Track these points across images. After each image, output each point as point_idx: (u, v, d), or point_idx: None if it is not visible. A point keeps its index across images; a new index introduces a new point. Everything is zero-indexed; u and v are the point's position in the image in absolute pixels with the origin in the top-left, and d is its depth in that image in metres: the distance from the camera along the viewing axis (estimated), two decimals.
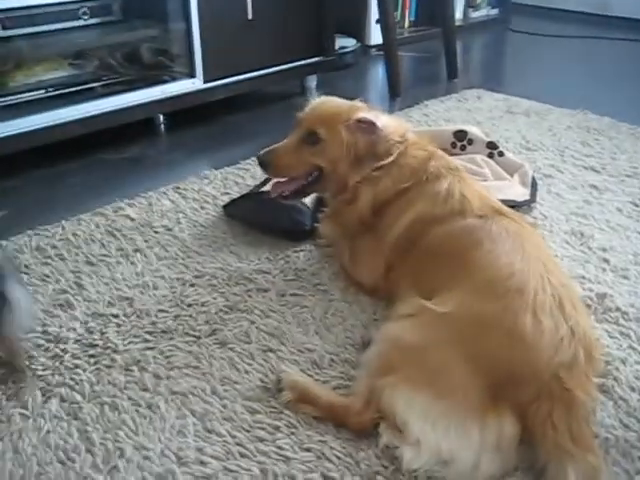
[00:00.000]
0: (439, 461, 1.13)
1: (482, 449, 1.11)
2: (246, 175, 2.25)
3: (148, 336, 1.50)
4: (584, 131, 2.66)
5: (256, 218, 1.92)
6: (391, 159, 1.58)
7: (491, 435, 1.11)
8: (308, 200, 1.91)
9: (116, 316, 1.56)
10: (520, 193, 2.02)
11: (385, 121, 1.62)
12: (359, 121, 1.58)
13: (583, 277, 1.70)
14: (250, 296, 1.64)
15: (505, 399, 1.13)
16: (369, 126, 1.58)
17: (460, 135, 2.18)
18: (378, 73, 3.62)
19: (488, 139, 2.21)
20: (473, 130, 2.23)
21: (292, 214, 1.87)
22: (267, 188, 1.97)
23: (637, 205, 2.08)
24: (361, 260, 1.66)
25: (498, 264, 1.31)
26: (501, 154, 2.17)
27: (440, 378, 1.17)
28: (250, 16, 2.73)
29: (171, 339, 1.49)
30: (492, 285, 1.26)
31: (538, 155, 2.42)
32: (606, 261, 1.78)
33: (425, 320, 1.25)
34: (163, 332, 1.51)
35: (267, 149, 1.65)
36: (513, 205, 1.92)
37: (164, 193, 2.13)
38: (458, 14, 4.55)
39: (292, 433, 1.25)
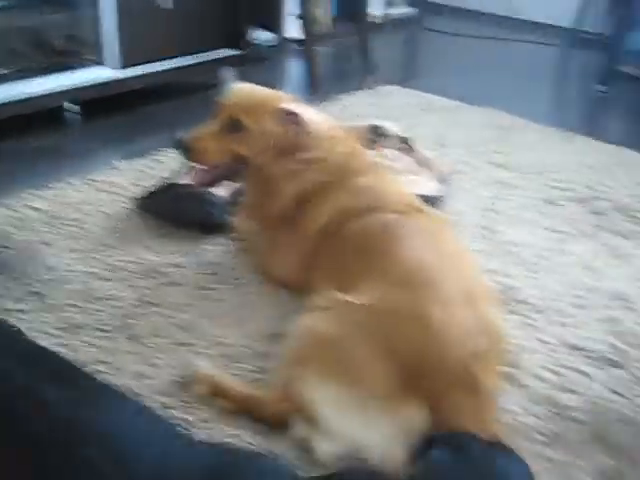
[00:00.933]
0: (351, 450, 1.14)
1: (392, 439, 1.13)
2: (159, 167, 2.21)
3: (58, 332, 1.45)
4: (495, 129, 2.74)
5: (169, 211, 1.88)
6: (315, 153, 1.58)
7: (402, 425, 1.13)
8: (223, 192, 1.89)
9: (25, 312, 1.50)
10: (433, 188, 2.06)
11: (310, 114, 1.61)
12: (284, 112, 1.56)
13: (492, 270, 1.76)
14: (163, 290, 1.61)
15: (416, 389, 1.15)
16: (294, 117, 1.56)
17: (374, 130, 2.21)
18: (296, 67, 3.62)
19: (402, 134, 2.25)
20: (387, 125, 2.26)
21: (204, 206, 1.85)
22: (181, 181, 1.94)
23: (544, 201, 2.16)
24: (279, 253, 1.65)
25: (412, 258, 1.33)
26: (413, 149, 2.21)
27: (353, 369, 1.18)
28: (166, 5, 2.68)
29: (82, 334, 1.45)
30: (405, 278, 1.28)
31: (450, 151, 2.48)
32: (514, 255, 1.84)
33: (339, 312, 1.26)
34: (74, 327, 1.47)
35: (187, 133, 1.60)
36: (427, 200, 1.97)
37: (75, 184, 2.06)
38: (378, 11, 4.60)
39: (206, 427, 1.24)
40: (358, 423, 1.14)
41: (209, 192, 1.87)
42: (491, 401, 1.20)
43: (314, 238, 1.54)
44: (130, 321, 1.50)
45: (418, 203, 1.56)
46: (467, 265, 1.39)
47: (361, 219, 1.48)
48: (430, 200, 1.97)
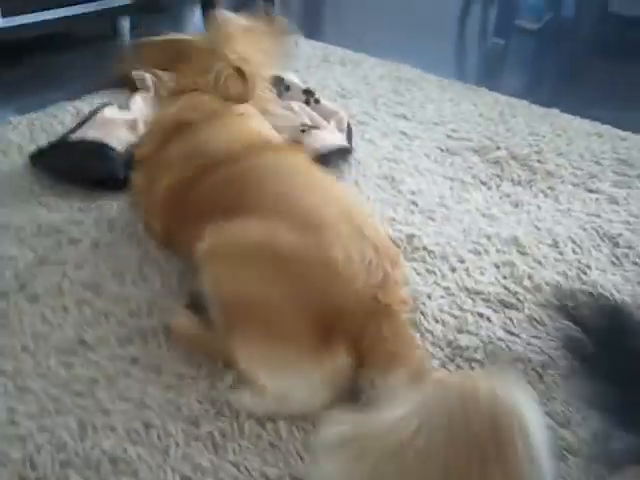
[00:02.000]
0: (280, 403, 1.16)
1: (318, 387, 1.16)
2: (55, 122, 2.12)
3: None
4: (396, 81, 2.77)
5: (67, 168, 1.82)
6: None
7: (326, 371, 1.15)
8: (119, 146, 1.84)
9: None
10: (340, 140, 2.07)
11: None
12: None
13: (393, 219, 1.80)
14: (61, 248, 1.56)
15: (335, 332, 1.16)
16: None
17: (279, 81, 2.19)
18: (193, 16, 3.52)
19: (305, 86, 2.24)
20: (290, 77, 2.25)
21: (106, 162, 1.80)
22: (77, 136, 1.88)
23: (442, 150, 2.21)
24: (146, 206, 1.58)
25: (297, 199, 1.30)
26: (317, 101, 2.21)
27: (272, 325, 1.17)
28: None
29: None
30: (297, 221, 1.24)
31: (352, 103, 2.49)
32: (414, 204, 1.88)
33: (247, 261, 1.21)
34: None
35: None
36: (336, 152, 1.99)
37: None
38: None
39: (110, 385, 1.23)
40: (284, 377, 1.16)
41: (108, 146, 1.82)
42: (404, 320, 1.25)
43: (173, 188, 1.45)
44: (28, 281, 1.45)
45: (288, 144, 1.56)
46: (350, 202, 1.39)
47: (233, 164, 1.40)
48: (340, 152, 2.00)
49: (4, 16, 2.45)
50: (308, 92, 2.21)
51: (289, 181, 1.36)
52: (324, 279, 1.18)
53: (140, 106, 2.17)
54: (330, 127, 2.13)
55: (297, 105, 2.14)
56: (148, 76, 2.37)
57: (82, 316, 1.37)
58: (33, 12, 2.55)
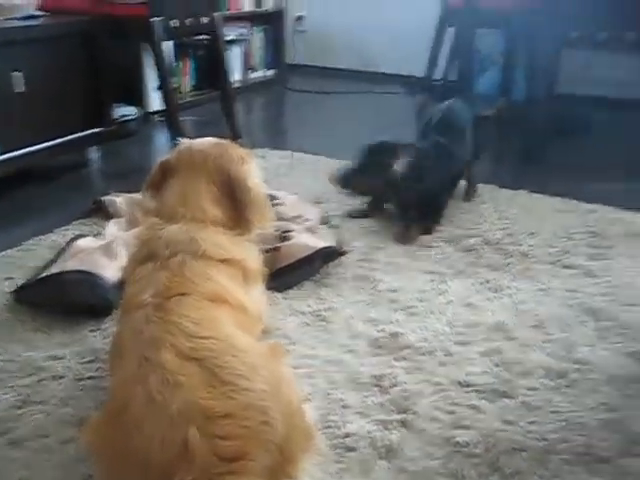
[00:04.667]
0: None
1: None
2: (30, 256, 2.12)
3: None
4: None
5: (55, 299, 1.82)
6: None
7: None
8: (110, 274, 1.84)
9: None
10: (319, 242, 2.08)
11: None
12: None
13: (375, 319, 1.79)
14: (44, 386, 1.53)
15: None
16: None
17: (271, 199, 2.23)
18: (161, 139, 3.61)
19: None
20: (282, 194, 2.35)
21: (94, 289, 1.80)
22: (56, 269, 1.88)
23: (417, 245, 2.23)
24: None
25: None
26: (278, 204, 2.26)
27: None
28: (19, 89, 2.62)
29: None
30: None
31: (325, 207, 2.53)
32: (394, 301, 1.89)
33: None
34: None
35: None
36: (331, 252, 2.03)
37: None
38: (237, 76, 4.71)
39: None
40: None
41: (97, 276, 1.83)
42: None
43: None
44: (11, 424, 1.41)
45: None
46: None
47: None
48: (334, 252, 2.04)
49: None
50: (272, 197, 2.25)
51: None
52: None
53: (113, 231, 2.19)
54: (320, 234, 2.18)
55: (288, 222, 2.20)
56: (118, 200, 2.41)
57: (67, 456, 1.32)
58: (5, 153, 2.61)
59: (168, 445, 1.01)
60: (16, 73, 2.60)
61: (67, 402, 1.48)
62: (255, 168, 1.57)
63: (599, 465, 1.30)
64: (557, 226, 2.38)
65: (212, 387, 1.07)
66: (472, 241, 2.25)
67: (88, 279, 1.83)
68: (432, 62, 4.10)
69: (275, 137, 3.74)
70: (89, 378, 1.56)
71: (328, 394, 1.50)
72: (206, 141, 1.57)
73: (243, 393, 1.07)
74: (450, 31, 4.03)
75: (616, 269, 2.07)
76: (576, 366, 1.60)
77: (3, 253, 2.15)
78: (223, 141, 1.59)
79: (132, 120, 3.55)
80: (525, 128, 3.55)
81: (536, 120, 3.38)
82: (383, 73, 4.99)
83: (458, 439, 1.36)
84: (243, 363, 1.12)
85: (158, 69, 3.06)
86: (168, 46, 3.87)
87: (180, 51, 4.21)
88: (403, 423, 1.40)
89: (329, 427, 1.39)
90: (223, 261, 1.37)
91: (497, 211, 2.52)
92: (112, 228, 2.22)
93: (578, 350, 1.66)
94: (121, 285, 1.59)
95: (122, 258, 1.91)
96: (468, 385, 1.53)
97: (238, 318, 1.30)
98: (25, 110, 2.67)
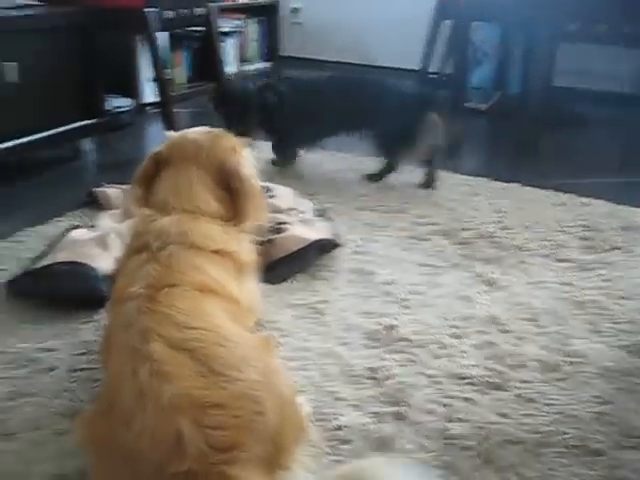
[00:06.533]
0: None
1: None
2: (22, 248, 2.11)
3: None
4: (357, 173, 2.83)
5: (47, 291, 1.81)
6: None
7: None
8: (103, 265, 1.83)
9: None
10: (312, 234, 2.07)
11: None
12: None
13: (369, 312, 1.79)
14: (36, 378, 1.52)
15: None
16: None
17: (266, 190, 2.22)
18: (155, 131, 3.60)
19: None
20: (275, 186, 2.33)
21: (87, 281, 1.80)
22: (48, 260, 1.87)
23: (410, 238, 2.23)
24: None
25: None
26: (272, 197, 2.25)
27: None
28: (11, 79, 2.60)
29: None
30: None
31: (317, 199, 2.52)
32: (388, 294, 1.88)
33: None
34: None
35: None
36: (329, 245, 2.02)
37: None
38: (233, 68, 4.69)
39: None
40: None
41: (90, 267, 1.82)
42: None
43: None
44: (3, 416, 1.40)
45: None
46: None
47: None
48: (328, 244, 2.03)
49: None
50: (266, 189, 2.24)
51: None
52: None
53: (106, 222, 2.18)
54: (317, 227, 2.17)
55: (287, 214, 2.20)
56: (112, 192, 2.40)
57: (61, 448, 1.32)
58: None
59: (160, 437, 1.00)
60: (8, 63, 2.58)
61: (60, 394, 1.47)
62: (248, 157, 1.55)
63: (593, 458, 1.30)
64: (551, 219, 2.38)
65: (203, 377, 1.06)
66: (466, 234, 2.25)
67: (80, 270, 1.82)
68: (427, 55, 4.10)
69: None
70: (82, 370, 1.55)
71: (322, 386, 1.49)
72: (198, 131, 1.56)
73: (235, 383, 1.07)
74: (446, 24, 4.02)
75: (610, 263, 2.07)
76: (569, 359, 1.60)
77: None
78: (215, 130, 1.58)
79: (126, 112, 3.53)
80: (520, 121, 3.55)
81: (531, 113, 3.38)
82: (379, 66, 4.98)
83: (452, 431, 1.36)
84: (234, 354, 1.12)
85: (152, 60, 3.04)
86: (163, 37, 3.84)
87: (174, 43, 4.19)
88: (397, 415, 1.40)
89: (323, 419, 1.39)
90: (214, 252, 1.37)
91: (491, 204, 2.52)
92: (106, 220, 2.21)
93: (572, 343, 1.66)
94: (114, 277, 1.59)
95: (116, 249, 1.90)
96: (462, 378, 1.53)
97: (229, 309, 1.29)
98: (18, 101, 2.65)
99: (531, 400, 1.46)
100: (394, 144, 2.67)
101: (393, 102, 2.63)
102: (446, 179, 2.77)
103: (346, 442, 1.33)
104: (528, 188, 2.69)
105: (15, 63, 2.59)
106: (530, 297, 1.88)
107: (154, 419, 1.02)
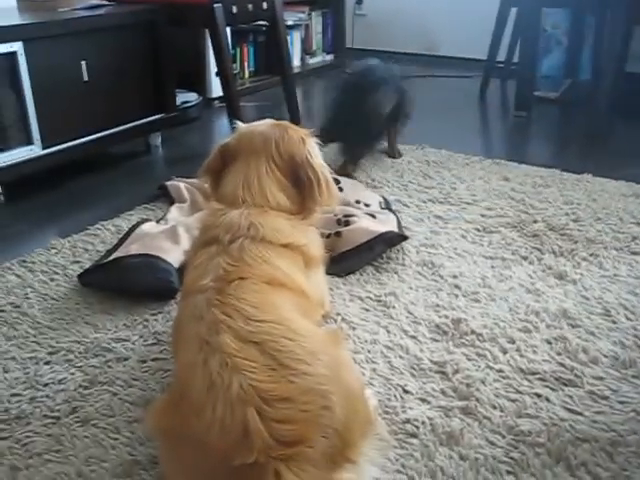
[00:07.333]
0: None
1: None
2: (96, 241, 2.17)
3: (3, 425, 1.39)
4: (424, 164, 2.80)
5: (119, 284, 1.86)
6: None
7: None
8: (173, 258, 1.87)
9: None
10: (380, 226, 2.07)
11: None
12: None
13: (437, 305, 1.77)
14: (110, 367, 1.57)
15: None
16: None
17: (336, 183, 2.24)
18: (222, 125, 3.64)
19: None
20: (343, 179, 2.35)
21: (158, 273, 1.84)
22: (120, 253, 1.92)
23: (479, 230, 2.20)
24: None
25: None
26: (341, 189, 2.24)
27: None
28: (85, 78, 2.68)
29: (28, 424, 1.39)
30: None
31: (384, 192, 2.52)
32: (457, 287, 1.86)
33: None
34: (18, 418, 1.41)
35: None
36: (395, 237, 2.01)
37: (8, 268, 2.01)
38: (296, 61, 4.71)
39: None
40: None
41: (161, 259, 1.86)
42: None
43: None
44: (79, 404, 1.45)
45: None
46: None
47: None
48: (396, 237, 2.02)
49: (44, 148, 2.57)
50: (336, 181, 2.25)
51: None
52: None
53: (175, 216, 2.23)
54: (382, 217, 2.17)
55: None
56: (182, 185, 2.44)
57: (133, 436, 1.35)
58: (72, 140, 2.68)
59: (228, 429, 1.02)
60: (82, 62, 2.66)
61: (132, 383, 1.51)
62: (316, 148, 1.56)
63: None
64: (624, 211, 2.31)
65: (272, 370, 1.07)
66: (536, 226, 2.20)
67: (152, 263, 1.86)
68: (495, 44, 4.02)
69: None
70: (153, 360, 1.59)
71: (389, 379, 1.49)
72: (265, 123, 1.57)
73: (303, 377, 1.07)
74: (513, 11, 3.93)
75: None
76: None
77: (70, 238, 2.20)
78: (282, 122, 1.59)
79: (193, 106, 3.58)
80: (591, 110, 3.45)
81: (601, 101, 3.28)
82: (444, 56, 4.92)
83: (521, 427, 1.34)
84: (302, 347, 1.12)
85: (218, 55, 3.08)
86: (227, 32, 3.89)
87: (239, 37, 4.24)
88: (465, 410, 1.39)
89: (390, 412, 1.39)
90: (283, 246, 1.38)
91: (562, 195, 2.46)
92: (175, 213, 2.26)
93: None
94: (184, 269, 1.62)
95: (185, 242, 1.94)
96: (531, 373, 1.50)
97: (298, 303, 1.30)
98: (90, 98, 2.73)
99: (604, 397, 1.42)
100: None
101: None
102: (515, 171, 2.72)
103: (413, 436, 1.33)
104: (600, 179, 2.61)
105: (84, 62, 2.67)
106: (603, 291, 1.83)
107: (223, 410, 1.03)
